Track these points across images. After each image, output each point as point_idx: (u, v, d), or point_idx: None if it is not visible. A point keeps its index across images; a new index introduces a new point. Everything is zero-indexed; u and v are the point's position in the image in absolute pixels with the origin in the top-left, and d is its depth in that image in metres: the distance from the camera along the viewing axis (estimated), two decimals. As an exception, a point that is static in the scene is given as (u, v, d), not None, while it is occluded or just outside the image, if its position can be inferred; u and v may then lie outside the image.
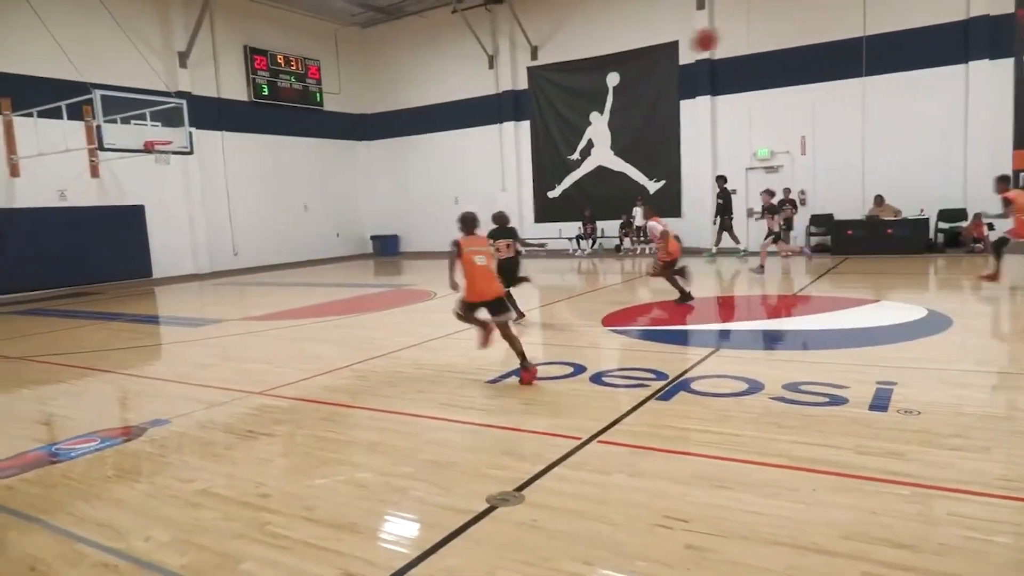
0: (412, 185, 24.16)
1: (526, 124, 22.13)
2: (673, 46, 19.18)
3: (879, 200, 16.21)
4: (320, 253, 23.10)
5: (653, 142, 19.90)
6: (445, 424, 4.90)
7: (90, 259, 16.86)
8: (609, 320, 8.90)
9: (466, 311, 6.12)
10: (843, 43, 16.75)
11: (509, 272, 8.31)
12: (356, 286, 15.27)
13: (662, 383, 5.60)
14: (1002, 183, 10.38)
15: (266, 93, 21.54)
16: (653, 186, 20.06)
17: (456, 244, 6.04)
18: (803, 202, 17.50)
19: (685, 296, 9.78)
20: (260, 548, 3.18)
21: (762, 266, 13.23)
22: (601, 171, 20.95)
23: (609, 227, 20.46)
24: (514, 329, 6.22)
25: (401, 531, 3.37)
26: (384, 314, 10.84)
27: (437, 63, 23.26)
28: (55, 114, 14.52)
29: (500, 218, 8.67)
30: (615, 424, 4.64)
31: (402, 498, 3.68)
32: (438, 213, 23.40)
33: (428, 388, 5.93)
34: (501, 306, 6.03)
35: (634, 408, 4.98)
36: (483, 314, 6.07)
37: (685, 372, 5.95)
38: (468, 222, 6.25)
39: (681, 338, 7.91)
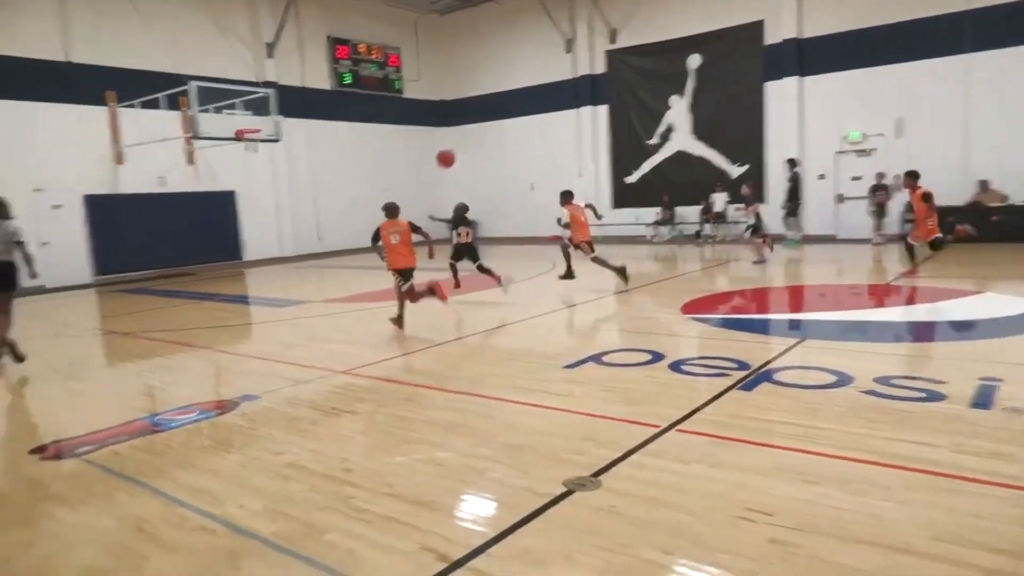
0: (489, 171, 24.28)
1: (604, 108, 21.84)
2: (758, 26, 18.46)
3: (984, 185, 15.19)
4: (399, 238, 23.57)
5: (736, 126, 19.26)
6: (523, 408, 4.93)
7: (186, 242, 17.78)
8: (688, 308, 8.73)
9: (398, 278, 8.07)
10: (943, 18, 15.69)
11: (471, 253, 10.69)
12: (434, 270, 15.48)
13: (744, 373, 5.45)
14: (910, 178, 10.88)
15: (348, 81, 22.07)
16: (736, 171, 19.45)
17: (376, 229, 8.23)
18: (898, 188, 16.59)
19: (570, 274, 11.17)
20: (344, 520, 3.30)
21: (763, 258, 13.14)
22: (681, 156, 20.47)
23: (690, 214, 19.99)
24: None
25: (479, 511, 3.43)
26: (461, 298, 10.97)
27: (514, 49, 23.23)
28: (154, 105, 15.34)
29: (460, 209, 10.87)
30: (694, 413, 4.55)
31: (480, 479, 3.73)
32: (515, 199, 23.47)
33: (506, 372, 5.99)
34: (409, 276, 8.11)
35: (714, 398, 4.87)
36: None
37: (768, 362, 5.77)
38: (390, 210, 8.34)
39: (764, 327, 7.67)
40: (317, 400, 5.45)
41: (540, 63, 22.63)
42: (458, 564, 2.83)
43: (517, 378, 5.75)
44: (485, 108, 24.23)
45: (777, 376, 5.34)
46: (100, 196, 16.30)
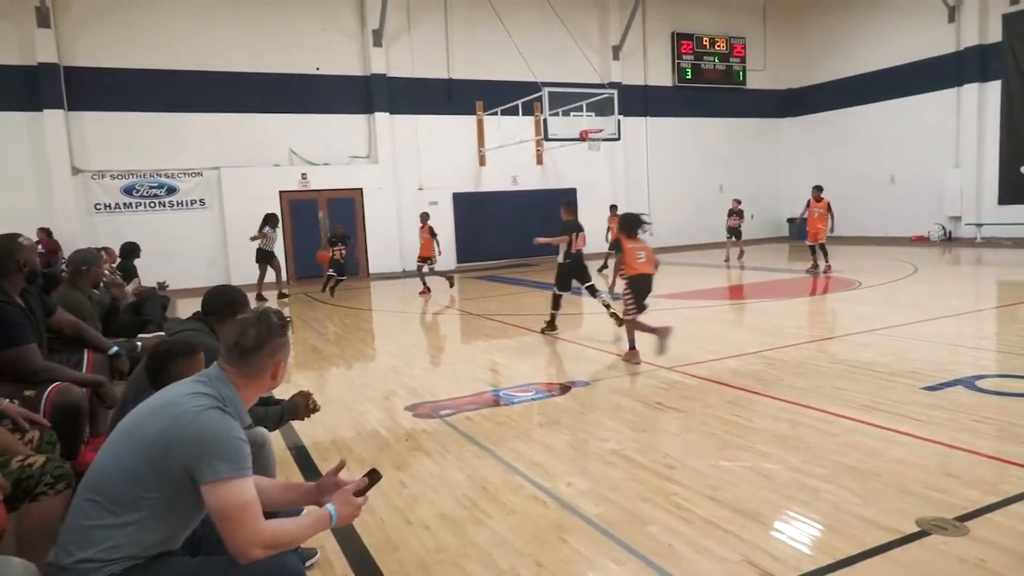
0: (839, 164, 22.03)
1: (994, 85, 18.22)
2: None
3: None
4: (732, 235, 22.77)
5: None
6: (867, 428, 4.40)
7: (531, 235, 19.45)
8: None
9: None
10: None
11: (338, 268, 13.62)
12: (769, 270, 14.69)
13: None
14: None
15: (689, 77, 21.91)
16: None
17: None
18: None
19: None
20: (664, 515, 3.31)
21: None
22: (1107, 138, 16.16)
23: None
24: None
25: (810, 533, 3.14)
26: (798, 301, 10.22)
27: (880, 24, 20.64)
28: (513, 112, 17.09)
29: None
30: (1112, 466, 3.58)
31: (812, 498, 3.43)
32: (870, 194, 20.97)
33: (847, 386, 5.40)
34: None
35: None
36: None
37: None
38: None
39: None
40: (643, 393, 5.56)
41: (912, 38, 19.76)
42: (783, 586, 2.65)
43: (862, 394, 5.14)
44: (837, 94, 22.06)
45: None
46: (465, 194, 18.81)
